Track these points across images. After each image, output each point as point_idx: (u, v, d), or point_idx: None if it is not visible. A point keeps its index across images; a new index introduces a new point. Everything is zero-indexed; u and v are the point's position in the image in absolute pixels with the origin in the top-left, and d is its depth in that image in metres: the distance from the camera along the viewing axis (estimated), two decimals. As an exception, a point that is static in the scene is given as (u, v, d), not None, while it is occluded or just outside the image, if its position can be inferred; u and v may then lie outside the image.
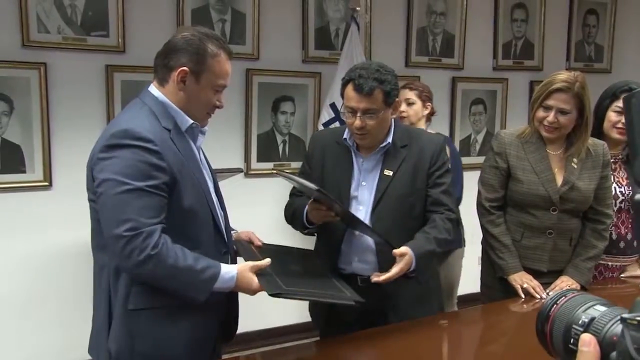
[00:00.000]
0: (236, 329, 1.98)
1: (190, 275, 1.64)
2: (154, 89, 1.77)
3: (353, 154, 2.21)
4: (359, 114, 2.07)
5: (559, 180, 2.40)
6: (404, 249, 2.02)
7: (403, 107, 3.23)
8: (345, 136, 2.21)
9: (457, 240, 2.27)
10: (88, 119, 3.32)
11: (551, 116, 2.34)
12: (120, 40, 3.40)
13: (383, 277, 1.98)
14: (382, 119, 2.10)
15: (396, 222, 2.14)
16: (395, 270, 1.98)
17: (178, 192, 1.67)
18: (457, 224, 2.22)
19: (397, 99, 2.15)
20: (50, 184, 3.33)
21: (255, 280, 1.73)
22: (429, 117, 3.39)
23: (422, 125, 3.31)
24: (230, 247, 1.89)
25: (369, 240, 2.16)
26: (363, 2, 3.93)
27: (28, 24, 3.17)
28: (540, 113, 2.38)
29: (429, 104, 3.35)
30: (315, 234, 2.35)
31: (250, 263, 1.77)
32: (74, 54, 3.33)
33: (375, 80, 2.04)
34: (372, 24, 4.10)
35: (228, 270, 1.71)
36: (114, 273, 1.69)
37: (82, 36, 3.32)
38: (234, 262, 1.90)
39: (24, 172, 3.26)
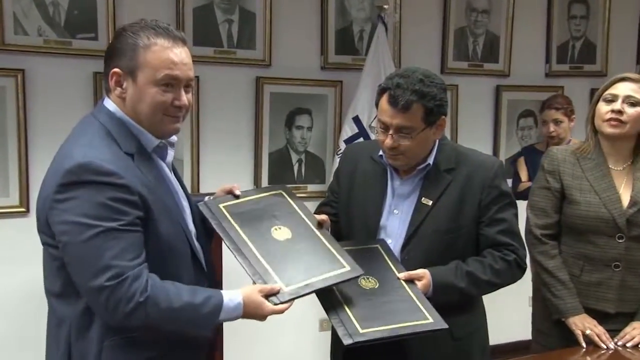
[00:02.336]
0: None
1: (190, 312, 1.63)
2: (109, 103, 1.74)
3: (389, 174, 2.12)
4: (391, 132, 1.96)
5: (625, 200, 2.31)
6: (421, 271, 1.95)
7: (551, 127, 3.81)
8: (381, 152, 2.10)
9: (506, 284, 2.13)
10: (72, 134, 3.29)
11: (618, 104, 2.27)
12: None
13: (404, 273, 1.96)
14: (419, 140, 1.99)
15: (430, 262, 2.03)
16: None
17: (153, 226, 1.65)
18: (516, 266, 2.06)
19: (443, 117, 2.01)
20: (28, 210, 3.30)
21: (265, 304, 1.71)
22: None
23: (569, 136, 3.85)
24: (213, 281, 1.83)
25: None
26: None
27: (3, 24, 3.16)
28: (603, 107, 2.32)
29: (574, 116, 3.87)
30: None
31: (258, 286, 1.74)
32: (57, 60, 3.32)
33: (414, 94, 1.92)
34: (402, 24, 4.03)
35: (231, 298, 1.69)
36: (78, 327, 1.65)
37: (66, 39, 3.32)
38: None
39: (-3, 196, 3.26)
